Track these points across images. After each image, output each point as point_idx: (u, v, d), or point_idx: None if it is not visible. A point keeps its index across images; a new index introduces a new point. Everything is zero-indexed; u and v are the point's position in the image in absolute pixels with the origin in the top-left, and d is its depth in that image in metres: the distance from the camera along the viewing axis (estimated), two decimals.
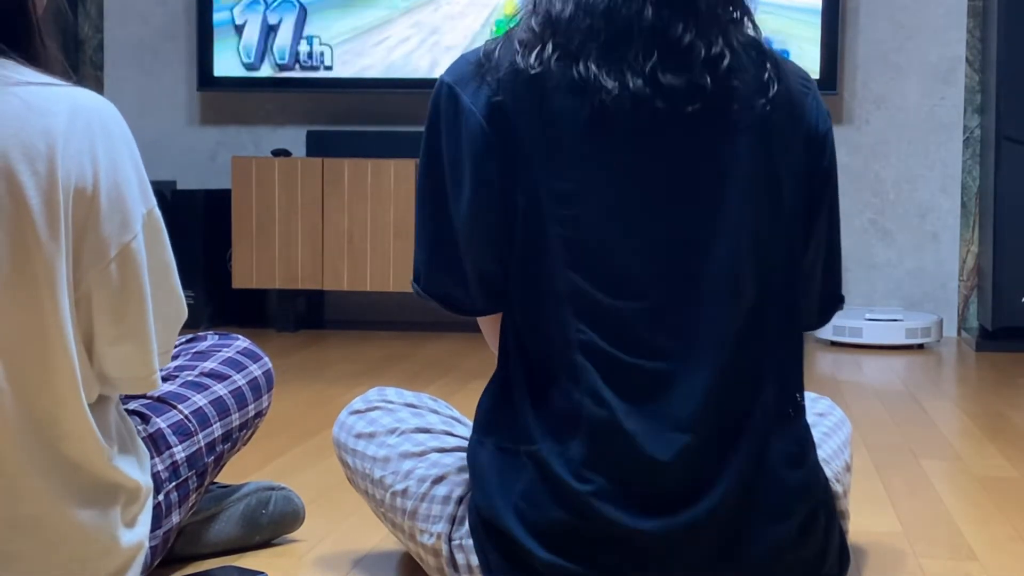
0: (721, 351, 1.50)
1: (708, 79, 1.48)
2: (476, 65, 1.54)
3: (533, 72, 1.49)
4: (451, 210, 1.55)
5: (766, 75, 1.52)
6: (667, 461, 1.48)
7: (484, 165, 1.51)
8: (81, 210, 1.42)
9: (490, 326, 1.63)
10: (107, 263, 1.45)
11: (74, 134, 1.41)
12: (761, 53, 1.54)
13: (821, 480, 1.61)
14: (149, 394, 1.75)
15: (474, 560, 1.61)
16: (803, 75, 1.60)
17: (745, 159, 1.51)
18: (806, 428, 1.60)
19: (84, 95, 1.45)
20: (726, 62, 1.49)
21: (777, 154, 1.53)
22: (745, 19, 1.55)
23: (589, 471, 1.49)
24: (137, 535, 1.59)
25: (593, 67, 1.47)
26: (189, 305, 1.62)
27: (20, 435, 1.45)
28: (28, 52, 1.46)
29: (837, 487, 1.71)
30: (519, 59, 1.50)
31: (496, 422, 1.57)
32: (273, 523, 1.97)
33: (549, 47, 1.49)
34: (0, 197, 1.38)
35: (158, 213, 1.51)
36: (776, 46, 4.22)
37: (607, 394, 1.49)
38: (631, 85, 1.47)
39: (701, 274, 1.50)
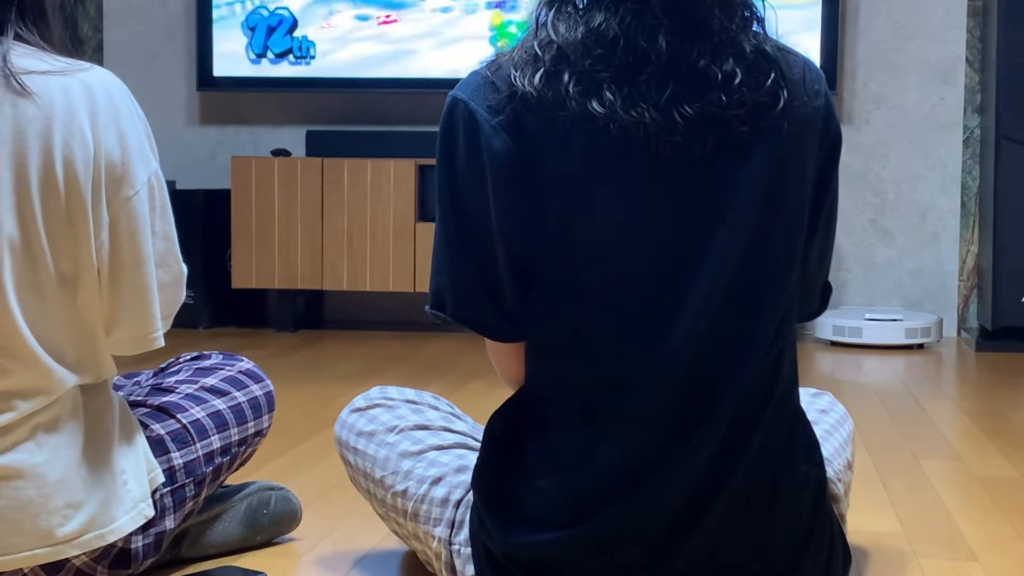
0: (737, 373, 1.46)
1: (724, 101, 1.43)
2: (488, 81, 1.48)
3: (545, 97, 1.43)
4: (477, 229, 1.49)
5: (772, 83, 1.46)
6: (676, 491, 1.47)
7: (510, 181, 1.45)
8: (88, 177, 1.53)
9: (503, 354, 1.58)
10: (113, 218, 1.56)
11: (77, 112, 1.54)
12: (768, 60, 1.48)
13: (828, 488, 1.60)
14: (149, 402, 1.80)
15: (470, 570, 1.61)
16: (808, 66, 1.53)
17: (763, 177, 1.46)
18: (810, 434, 1.57)
19: (93, 76, 1.59)
20: (738, 80, 1.43)
21: (790, 158, 1.48)
22: (754, 22, 1.49)
23: (592, 502, 1.48)
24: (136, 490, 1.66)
25: (609, 96, 1.41)
26: (189, 306, 1.64)
27: None
28: (37, 24, 1.56)
29: (838, 487, 1.71)
30: (525, 81, 1.44)
31: (506, 455, 1.55)
32: (273, 523, 1.98)
33: (565, 75, 1.43)
34: (2, 175, 1.48)
35: (161, 179, 1.61)
36: None
37: (615, 426, 1.47)
38: (648, 118, 1.41)
39: (730, 303, 1.45)
